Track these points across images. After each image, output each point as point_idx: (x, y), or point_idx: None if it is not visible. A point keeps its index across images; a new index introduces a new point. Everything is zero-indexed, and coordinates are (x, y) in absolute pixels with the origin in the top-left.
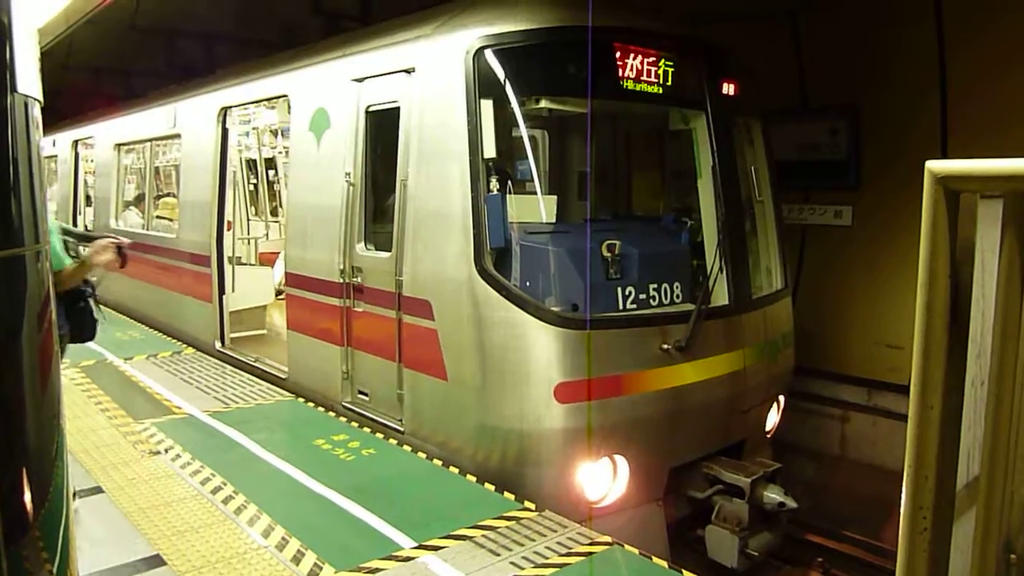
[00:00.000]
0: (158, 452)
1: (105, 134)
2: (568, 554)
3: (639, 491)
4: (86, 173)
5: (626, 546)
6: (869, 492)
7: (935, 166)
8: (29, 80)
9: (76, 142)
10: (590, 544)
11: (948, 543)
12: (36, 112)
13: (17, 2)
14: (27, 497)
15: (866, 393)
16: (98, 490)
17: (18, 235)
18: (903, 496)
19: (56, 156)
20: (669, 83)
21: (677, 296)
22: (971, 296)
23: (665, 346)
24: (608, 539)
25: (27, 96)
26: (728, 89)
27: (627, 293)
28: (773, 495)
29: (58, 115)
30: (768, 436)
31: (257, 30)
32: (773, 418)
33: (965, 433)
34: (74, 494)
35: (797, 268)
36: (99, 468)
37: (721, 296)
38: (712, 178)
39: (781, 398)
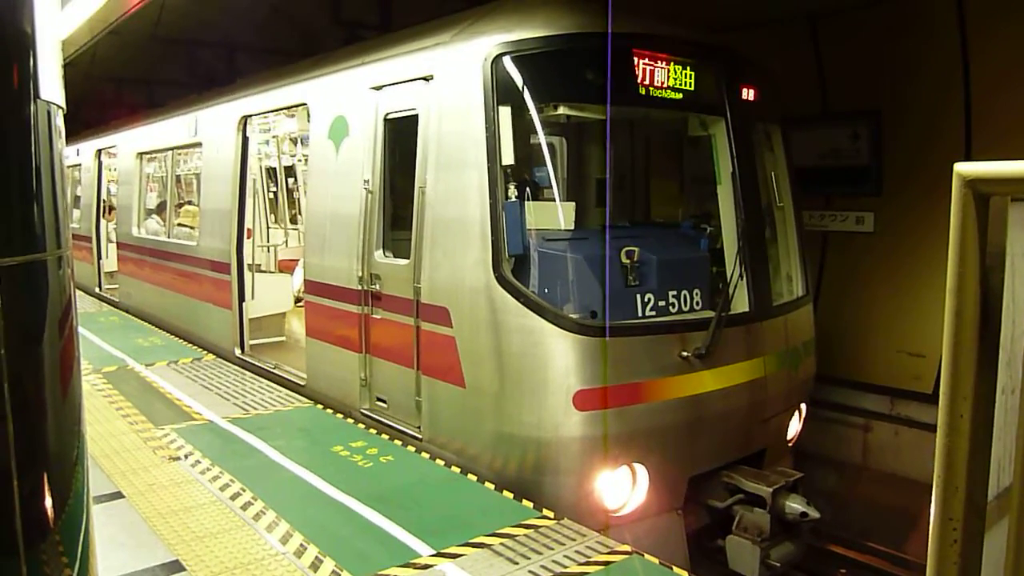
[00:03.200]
0: (178, 458)
1: (127, 143)
2: (587, 563)
3: (658, 500)
4: (109, 182)
5: (645, 555)
6: (892, 502)
7: (964, 169)
8: (52, 87)
9: (99, 151)
10: (609, 553)
11: (979, 556)
12: (59, 120)
13: (40, 11)
14: (48, 502)
15: (889, 402)
16: (119, 495)
17: (40, 240)
18: (932, 507)
19: (80, 165)
20: (688, 89)
21: (697, 303)
22: (1001, 302)
23: (685, 353)
24: (627, 548)
25: (50, 103)
26: (747, 94)
27: (646, 300)
28: (795, 505)
29: (82, 125)
30: (789, 445)
31: (277, 40)
32: (794, 427)
33: (996, 442)
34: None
35: (818, 275)
36: (119, 473)
37: (741, 303)
38: (732, 184)
39: (802, 406)
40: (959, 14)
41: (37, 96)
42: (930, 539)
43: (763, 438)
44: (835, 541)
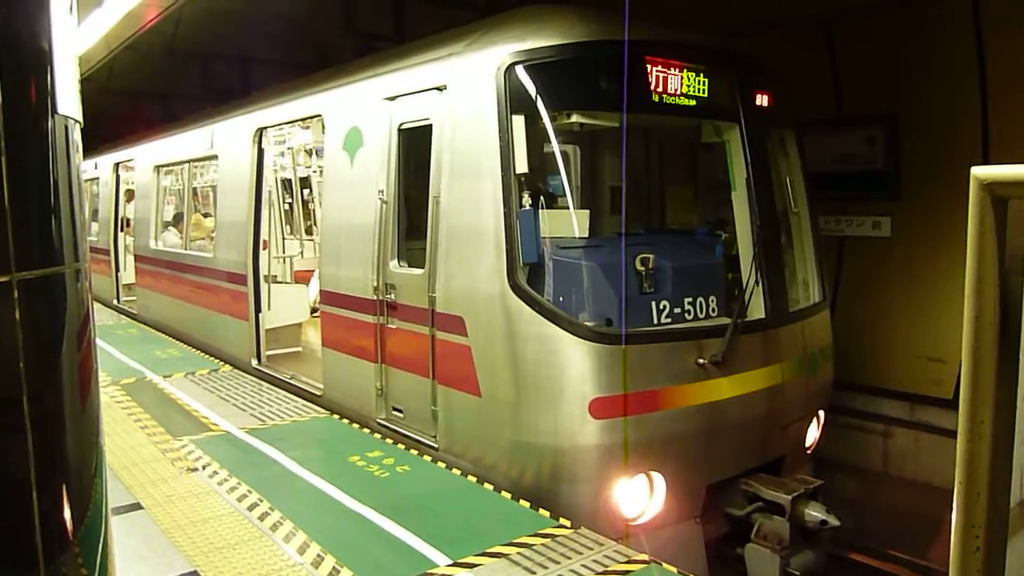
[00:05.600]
0: (196, 469)
1: (145, 156)
2: (604, 572)
3: (677, 508)
4: (126, 194)
5: (664, 564)
6: (913, 509)
7: (981, 172)
8: (69, 102)
9: (117, 165)
10: (627, 562)
11: (1002, 563)
12: (76, 134)
13: (57, 27)
14: (67, 514)
15: (908, 408)
16: (137, 506)
17: (58, 254)
18: (954, 515)
19: (98, 179)
20: (702, 95)
21: (712, 310)
22: (1021, 306)
23: (701, 361)
24: (645, 557)
25: (67, 117)
26: (761, 100)
27: (661, 307)
28: (815, 512)
29: (100, 139)
30: (808, 452)
31: (291, 52)
32: (813, 433)
33: (1018, 448)
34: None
35: (835, 280)
36: (138, 484)
37: (757, 310)
38: (746, 190)
39: (821, 413)
40: (975, 17)
41: (55, 111)
42: (952, 547)
43: (782, 445)
44: (856, 549)
